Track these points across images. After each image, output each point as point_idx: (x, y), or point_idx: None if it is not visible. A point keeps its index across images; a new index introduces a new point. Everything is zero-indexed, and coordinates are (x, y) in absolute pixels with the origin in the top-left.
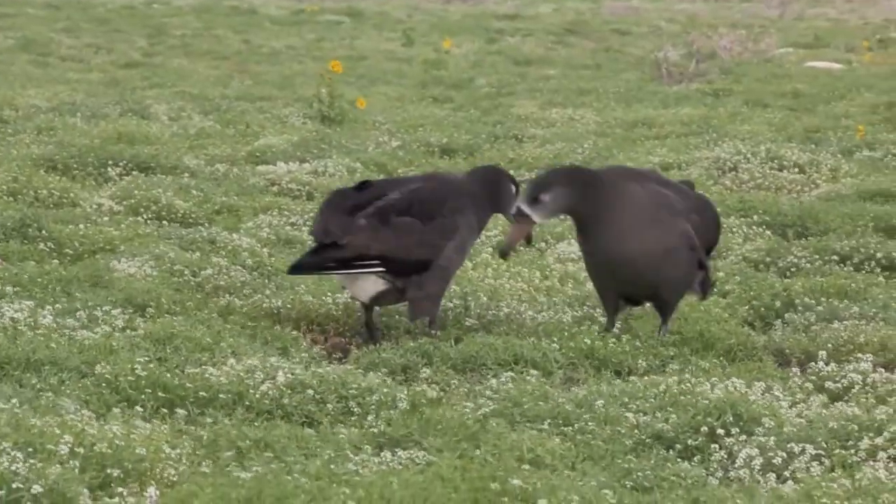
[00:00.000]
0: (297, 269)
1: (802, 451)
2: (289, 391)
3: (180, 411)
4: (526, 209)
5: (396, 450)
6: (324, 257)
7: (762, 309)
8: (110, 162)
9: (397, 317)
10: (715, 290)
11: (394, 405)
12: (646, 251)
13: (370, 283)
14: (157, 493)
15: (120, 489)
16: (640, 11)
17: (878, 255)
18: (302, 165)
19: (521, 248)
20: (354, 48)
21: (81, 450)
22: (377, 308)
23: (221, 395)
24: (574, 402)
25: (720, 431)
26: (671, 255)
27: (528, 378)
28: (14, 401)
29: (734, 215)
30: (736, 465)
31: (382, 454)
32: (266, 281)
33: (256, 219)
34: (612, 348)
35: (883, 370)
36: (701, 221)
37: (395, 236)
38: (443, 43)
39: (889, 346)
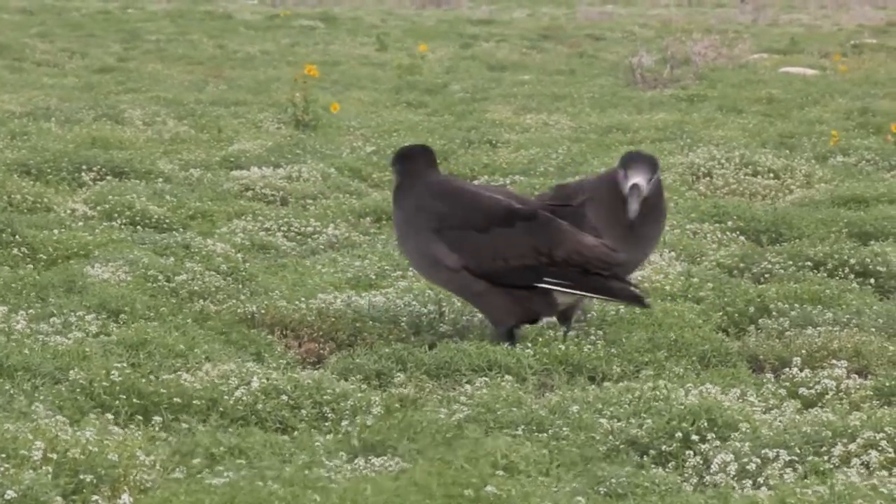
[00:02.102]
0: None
1: (777, 457)
2: (263, 397)
3: (155, 417)
4: (642, 180)
5: (371, 456)
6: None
7: (736, 315)
8: (84, 167)
9: (371, 322)
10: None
11: (368, 410)
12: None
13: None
14: (131, 499)
15: (93, 495)
16: (615, 17)
17: (852, 261)
18: (276, 171)
19: None
20: (328, 53)
21: (55, 455)
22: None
23: (196, 401)
24: (548, 407)
25: (694, 437)
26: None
27: (503, 384)
28: None
29: (708, 221)
30: (710, 471)
31: (357, 460)
32: (240, 286)
33: (230, 224)
34: (586, 354)
35: (856, 376)
36: None
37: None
38: (418, 48)
39: (863, 353)
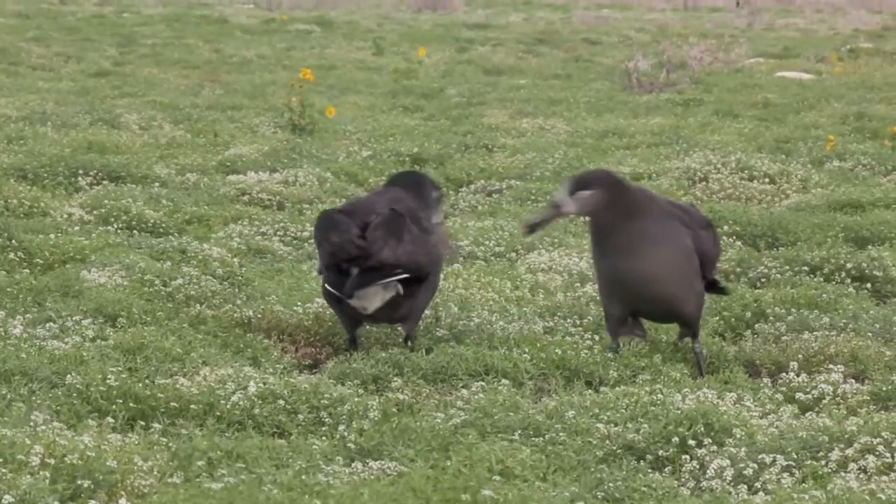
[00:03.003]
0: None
1: (773, 462)
2: (260, 401)
3: (152, 423)
4: (562, 200)
5: (368, 460)
6: (371, 272)
7: (732, 320)
8: (80, 171)
9: (367, 327)
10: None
11: (365, 415)
12: (657, 268)
13: (383, 292)
14: None
15: (91, 501)
16: (611, 21)
17: (848, 265)
18: (272, 175)
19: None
20: (324, 57)
21: (52, 461)
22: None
23: (193, 406)
24: (545, 412)
25: (691, 442)
26: (683, 271)
27: (499, 388)
28: None
29: None
30: (707, 476)
31: (354, 465)
32: (237, 290)
33: (227, 228)
34: (583, 359)
35: (853, 381)
36: (713, 238)
37: (412, 243)
38: (417, 53)
39: (859, 357)
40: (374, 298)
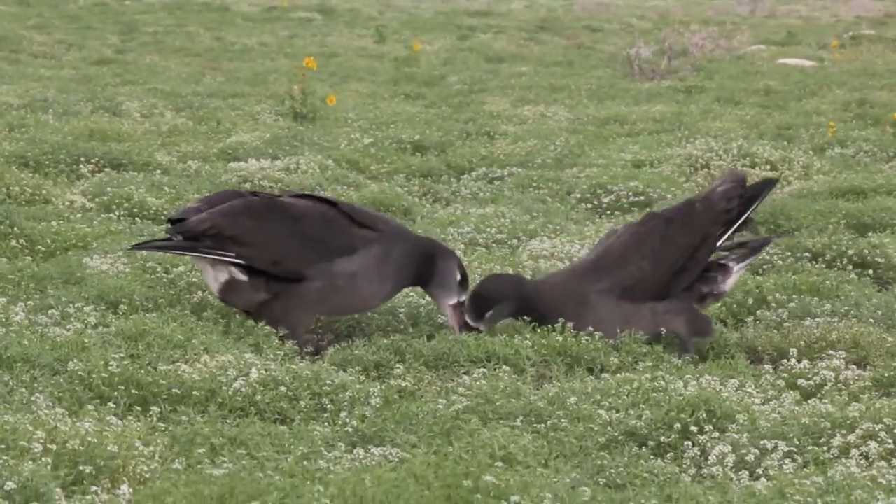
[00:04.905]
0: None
1: (775, 448)
2: (262, 388)
3: (153, 409)
4: (473, 324)
5: (369, 447)
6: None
7: (734, 306)
8: (82, 159)
9: (369, 313)
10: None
11: (367, 402)
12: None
13: (221, 273)
14: (130, 490)
15: (93, 486)
16: (612, 8)
17: (850, 252)
18: (274, 162)
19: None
20: (326, 45)
21: (54, 447)
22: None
23: (195, 392)
24: (546, 399)
25: (693, 428)
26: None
27: (501, 375)
28: None
29: None
30: (709, 462)
31: (355, 451)
32: None
33: None
34: (584, 346)
35: (855, 367)
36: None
37: (258, 225)
38: (415, 42)
39: (861, 343)
40: (206, 276)
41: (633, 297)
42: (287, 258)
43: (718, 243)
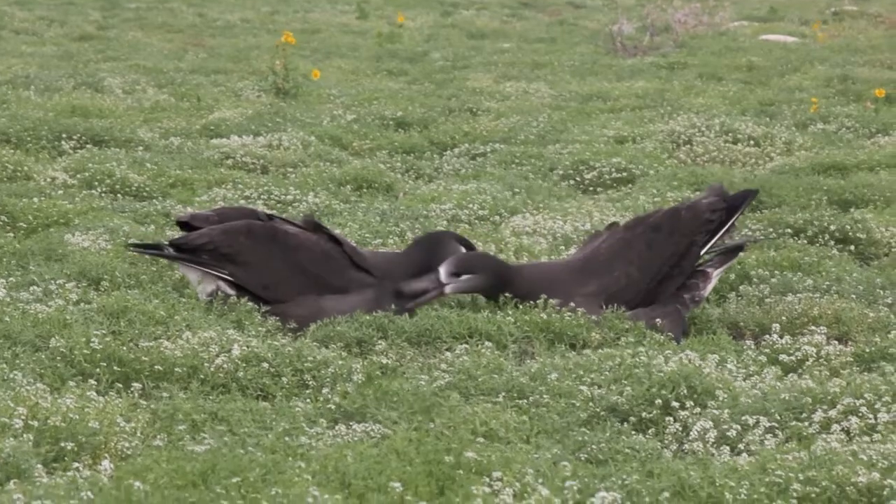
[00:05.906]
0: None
1: (757, 424)
2: (244, 364)
3: (135, 385)
4: (444, 279)
5: (351, 423)
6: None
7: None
8: (64, 135)
9: None
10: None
11: (349, 378)
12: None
13: (209, 284)
14: (112, 466)
15: (74, 463)
16: None
17: (832, 227)
18: (256, 139)
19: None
20: (308, 21)
21: (35, 423)
22: None
23: (177, 369)
24: (528, 375)
25: (675, 404)
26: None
27: (483, 351)
28: None
29: (688, 189)
30: (690, 438)
31: (337, 427)
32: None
33: (211, 192)
34: (566, 322)
35: (836, 343)
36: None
37: (254, 248)
38: (398, 17)
39: (843, 319)
40: (192, 283)
41: (618, 303)
42: (278, 284)
43: (702, 251)
